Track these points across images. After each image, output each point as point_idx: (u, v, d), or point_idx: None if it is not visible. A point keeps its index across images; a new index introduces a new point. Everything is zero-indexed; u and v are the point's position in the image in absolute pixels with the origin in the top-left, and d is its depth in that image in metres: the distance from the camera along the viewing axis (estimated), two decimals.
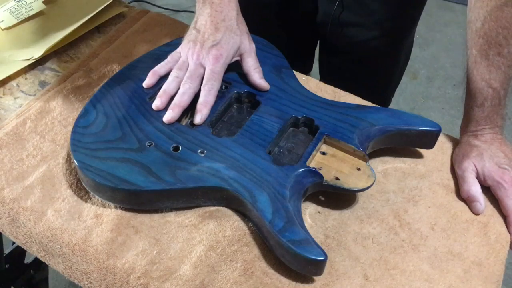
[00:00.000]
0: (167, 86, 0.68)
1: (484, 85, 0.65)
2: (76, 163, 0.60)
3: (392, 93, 1.09)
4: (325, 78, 1.04)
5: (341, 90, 0.77)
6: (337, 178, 0.61)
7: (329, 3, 0.91)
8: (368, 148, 0.65)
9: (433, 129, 0.66)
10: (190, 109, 0.67)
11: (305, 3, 0.96)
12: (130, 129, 0.64)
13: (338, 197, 0.64)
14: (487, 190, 0.65)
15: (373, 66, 0.98)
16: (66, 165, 0.65)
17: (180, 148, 0.62)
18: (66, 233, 0.59)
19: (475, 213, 0.64)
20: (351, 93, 0.77)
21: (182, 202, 0.61)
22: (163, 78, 0.70)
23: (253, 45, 0.72)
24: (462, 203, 0.65)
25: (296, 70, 0.76)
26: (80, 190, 0.63)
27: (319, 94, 0.72)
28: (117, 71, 0.76)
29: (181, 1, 2.36)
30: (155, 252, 0.58)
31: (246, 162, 0.61)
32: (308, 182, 0.60)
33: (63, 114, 0.71)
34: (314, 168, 0.61)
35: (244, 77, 0.71)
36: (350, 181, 0.61)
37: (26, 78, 0.77)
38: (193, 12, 0.72)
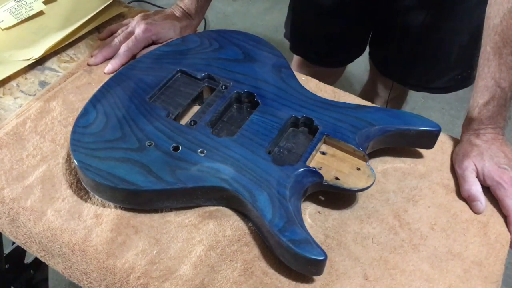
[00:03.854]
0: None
1: (493, 84, 0.65)
2: (76, 163, 0.60)
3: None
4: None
5: (341, 90, 0.77)
6: (337, 178, 0.61)
7: None
8: (368, 148, 0.65)
9: (433, 129, 0.66)
10: (190, 109, 0.67)
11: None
12: (130, 129, 0.64)
13: (338, 197, 0.64)
14: (487, 190, 0.65)
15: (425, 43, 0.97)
16: (66, 165, 0.65)
17: (180, 148, 0.62)
18: (66, 233, 0.59)
19: (476, 212, 0.64)
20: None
21: (182, 202, 0.61)
22: (162, 74, 0.70)
23: None
24: (462, 203, 0.65)
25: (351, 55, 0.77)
26: (80, 190, 0.63)
27: (319, 94, 0.72)
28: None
29: None
30: (155, 252, 0.58)
31: (246, 162, 0.61)
32: (308, 182, 0.60)
33: (63, 114, 0.71)
34: (314, 168, 0.61)
35: (244, 77, 0.71)
36: (350, 181, 0.61)
37: (26, 78, 0.77)
38: None
